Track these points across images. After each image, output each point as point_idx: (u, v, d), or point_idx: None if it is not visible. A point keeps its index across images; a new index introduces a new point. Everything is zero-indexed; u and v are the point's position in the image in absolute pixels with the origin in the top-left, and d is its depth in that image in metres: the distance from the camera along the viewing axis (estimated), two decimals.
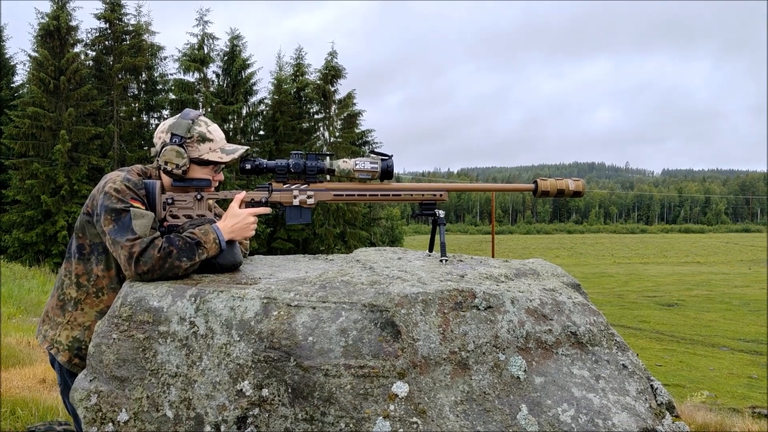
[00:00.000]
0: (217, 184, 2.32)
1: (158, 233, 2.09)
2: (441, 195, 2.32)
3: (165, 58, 28.91)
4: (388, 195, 2.30)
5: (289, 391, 1.73)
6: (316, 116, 31.75)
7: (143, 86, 28.67)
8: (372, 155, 2.29)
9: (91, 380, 1.98)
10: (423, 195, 2.32)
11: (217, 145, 2.25)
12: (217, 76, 29.51)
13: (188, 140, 2.20)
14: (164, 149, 2.17)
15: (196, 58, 28.30)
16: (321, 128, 31.66)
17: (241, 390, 1.78)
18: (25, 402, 4.78)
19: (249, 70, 29.64)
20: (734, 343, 19.20)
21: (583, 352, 1.95)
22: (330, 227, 28.02)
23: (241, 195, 2.24)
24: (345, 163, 2.27)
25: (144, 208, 2.12)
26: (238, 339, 1.83)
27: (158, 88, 28.95)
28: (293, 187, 2.28)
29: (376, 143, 32.08)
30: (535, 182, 2.35)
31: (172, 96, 28.69)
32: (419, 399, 1.68)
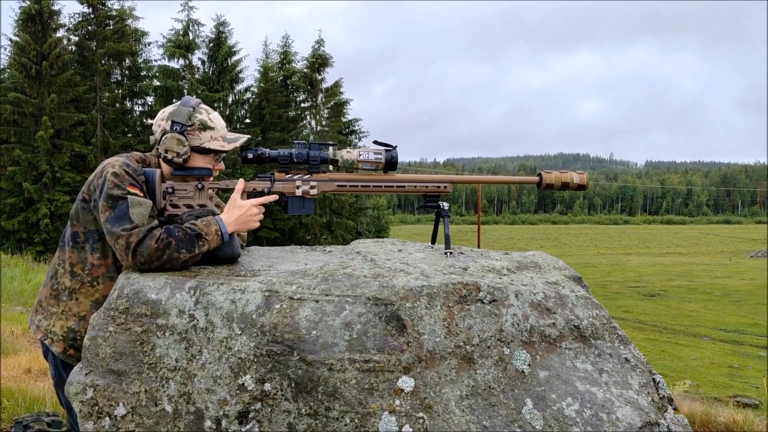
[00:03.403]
0: (217, 173, 2.27)
1: (156, 222, 2.05)
2: (445, 187, 2.30)
3: (149, 43, 28.56)
4: (392, 186, 2.27)
5: (293, 385, 1.70)
6: (302, 105, 31.56)
7: (127, 72, 28.29)
8: (376, 146, 2.26)
9: (86, 374, 1.93)
10: (427, 187, 2.29)
11: (219, 133, 2.21)
12: (203, 63, 29.21)
13: (189, 128, 2.15)
14: (164, 137, 2.12)
15: (181, 45, 27.98)
16: (308, 117, 31.50)
17: (243, 384, 1.75)
18: (11, 393, 4.71)
19: (235, 58, 29.37)
20: (715, 333, 19.48)
21: (586, 345, 1.94)
22: (316, 216, 27.94)
23: (242, 185, 2.20)
24: (349, 154, 2.24)
25: (142, 195, 2.07)
26: (239, 332, 1.79)
27: (142, 74, 28.60)
28: (296, 177, 2.24)
29: (363, 132, 32.00)
30: (540, 175, 2.34)
31: (156, 83, 28.37)
32: (425, 394, 1.66)
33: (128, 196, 2.03)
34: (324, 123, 31.03)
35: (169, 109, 2.20)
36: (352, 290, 1.81)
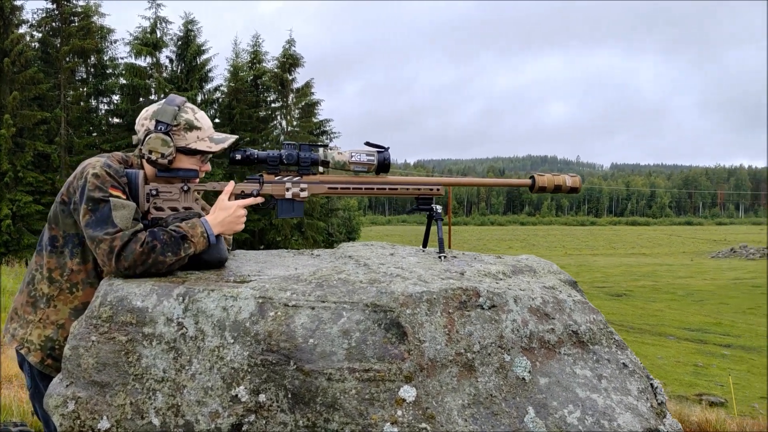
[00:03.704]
0: (203, 174, 2.19)
1: (141, 226, 1.96)
2: (438, 189, 2.25)
3: (115, 41, 27.97)
4: (384, 189, 2.21)
5: (289, 396, 1.64)
6: (273, 105, 31.26)
7: (92, 70, 27.66)
8: (367, 147, 2.20)
9: (67, 385, 1.84)
10: (420, 189, 2.24)
11: (205, 133, 2.12)
12: (171, 61, 28.71)
13: (174, 128, 2.07)
14: (148, 137, 2.04)
15: (148, 42, 27.45)
16: (278, 117, 31.22)
17: (236, 396, 1.68)
18: None
19: (204, 56, 28.94)
20: (680, 332, 19.90)
21: (585, 351, 1.92)
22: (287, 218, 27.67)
23: (230, 187, 2.13)
24: (340, 155, 2.18)
25: (125, 197, 1.98)
26: (232, 341, 1.72)
27: (108, 72, 27.98)
28: (285, 179, 2.17)
29: (334, 133, 31.86)
30: (533, 178, 2.31)
31: (122, 81, 27.79)
32: (427, 403, 1.61)
33: (110, 198, 1.94)
34: (295, 123, 30.79)
35: (153, 107, 2.11)
36: (349, 296, 1.76)
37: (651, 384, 1.92)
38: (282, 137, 29.49)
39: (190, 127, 2.09)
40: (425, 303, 1.74)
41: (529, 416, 1.69)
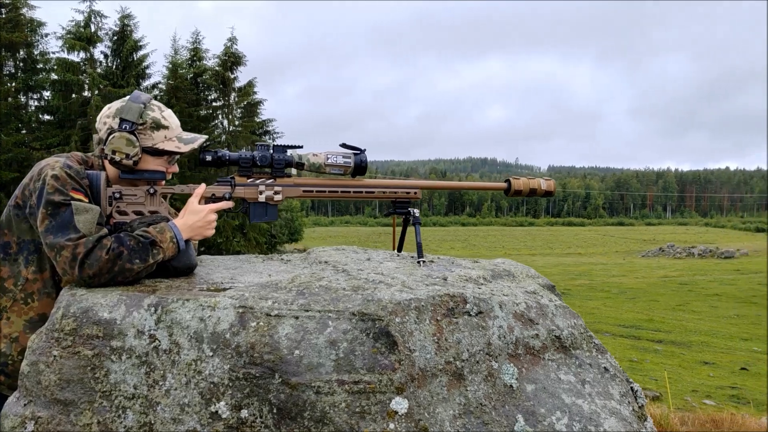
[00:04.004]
0: (170, 176, 2.07)
1: (105, 231, 1.83)
2: (415, 193, 2.21)
3: (46, 35, 26.67)
4: (361, 192, 2.15)
5: (274, 411, 1.55)
6: (214, 104, 30.57)
7: (21, 65, 26.32)
8: (344, 149, 2.14)
9: (25, 404, 1.69)
10: (396, 193, 2.19)
11: (173, 132, 2.01)
12: (106, 57, 27.65)
13: (140, 127, 1.94)
14: (111, 136, 1.90)
15: (81, 37, 26.35)
16: (220, 116, 30.55)
17: (216, 412, 1.58)
18: None
19: (141, 52, 28.00)
20: (615, 329, 20.61)
21: (567, 356, 1.91)
22: (229, 219, 27.13)
23: (201, 189, 2.02)
24: (315, 157, 2.10)
25: (87, 200, 1.85)
26: (211, 354, 1.62)
27: (38, 67, 26.68)
28: (258, 181, 2.08)
29: (277, 133, 31.46)
30: (508, 181, 2.29)
31: (54, 76, 26.58)
32: (419, 415, 1.56)
33: (72, 201, 1.80)
34: (237, 123, 30.22)
35: (116, 104, 1.98)
36: (334, 305, 1.68)
37: (631, 387, 1.93)
38: (224, 137, 28.88)
39: (157, 126, 1.97)
40: (414, 311, 1.68)
41: (519, 424, 1.66)
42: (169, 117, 2.02)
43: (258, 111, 30.97)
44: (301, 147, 2.13)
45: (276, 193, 2.08)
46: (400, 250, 2.48)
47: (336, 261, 2.21)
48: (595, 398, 1.82)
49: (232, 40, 30.18)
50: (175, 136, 2.01)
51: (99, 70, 27.15)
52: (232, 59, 30.01)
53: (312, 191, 2.12)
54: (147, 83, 29.08)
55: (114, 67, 27.66)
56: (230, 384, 1.59)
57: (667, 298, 27.76)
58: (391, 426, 1.53)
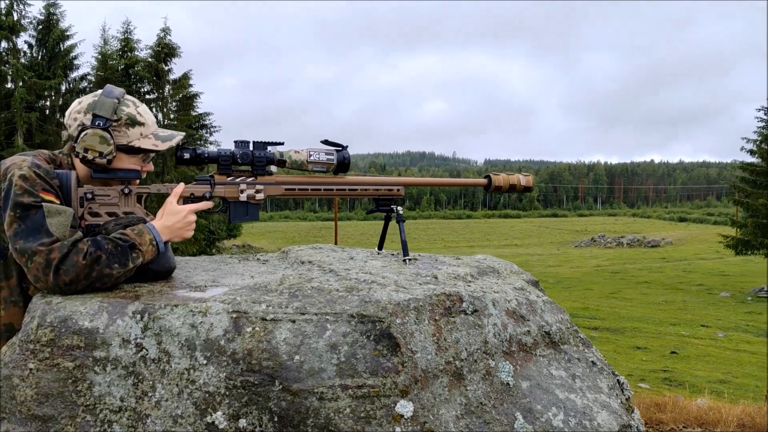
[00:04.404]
0: (144, 175, 1.96)
1: (80, 234, 1.71)
2: (398, 190, 2.17)
3: None
4: (344, 190, 2.10)
5: (275, 419, 1.49)
6: (147, 96, 29.54)
7: None
8: (325, 146, 2.08)
9: None
10: (379, 190, 2.15)
11: (149, 129, 1.90)
12: (30, 47, 26.27)
13: (114, 123, 1.83)
14: (84, 133, 1.78)
15: (3, 25, 24.90)
16: (154, 109, 29.56)
17: (213, 423, 1.51)
18: None
19: (69, 42, 26.75)
20: None
21: (557, 351, 1.93)
22: None
23: (180, 189, 1.92)
24: (297, 154, 2.04)
25: (59, 202, 1.73)
26: (204, 362, 1.54)
27: None
28: (239, 180, 2.00)
29: (215, 127, 30.73)
30: (488, 177, 2.29)
31: None
32: (424, 417, 1.54)
33: (43, 203, 1.68)
34: (172, 116, 29.33)
35: (88, 99, 1.86)
36: (330, 307, 1.64)
37: (618, 380, 1.97)
38: None
39: (133, 122, 1.86)
40: (413, 311, 1.65)
41: (518, 422, 1.66)
42: (145, 113, 1.91)
43: (194, 104, 30.13)
44: (282, 144, 2.06)
45: (257, 191, 2.01)
46: (380, 248, 2.44)
47: (320, 261, 2.16)
48: (586, 392, 1.84)
49: (166, 30, 29.21)
50: (152, 133, 1.90)
51: (23, 61, 25.80)
52: (165, 50, 29.05)
53: (294, 189, 2.06)
54: (75, 74, 27.85)
55: (39, 57, 26.33)
56: (227, 393, 1.51)
57: (600, 286, 28.82)
58: (398, 429, 1.50)
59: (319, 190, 2.08)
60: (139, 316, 1.60)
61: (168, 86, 29.49)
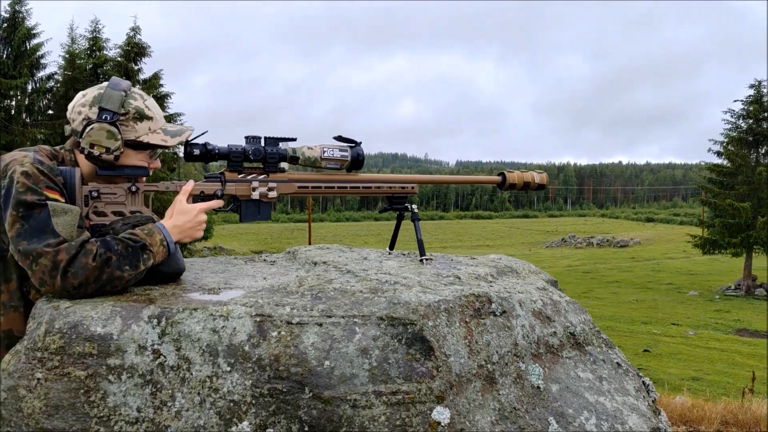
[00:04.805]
0: (151, 172, 1.86)
1: (88, 234, 1.61)
2: (413, 187, 2.11)
3: None
4: (358, 188, 2.03)
5: (305, 429, 1.41)
6: None
7: None
8: (339, 142, 2.00)
9: None
10: (392, 188, 2.08)
11: (158, 124, 1.80)
12: None
13: (122, 117, 1.73)
14: (90, 128, 1.68)
15: None
16: None
17: None
18: None
19: (35, 41, 26.11)
20: None
21: (582, 352, 1.88)
22: None
23: (189, 186, 1.82)
24: (310, 150, 1.96)
25: (64, 200, 1.62)
26: (228, 369, 1.45)
27: None
28: (250, 177, 1.91)
29: None
30: (503, 174, 2.24)
31: None
32: (461, 424, 1.47)
33: (48, 202, 1.57)
34: None
35: (93, 92, 1.75)
36: (357, 309, 1.56)
37: (643, 381, 1.93)
38: None
39: (141, 116, 1.76)
40: (444, 313, 1.59)
41: (552, 427, 1.60)
42: (153, 107, 1.81)
43: (165, 104, 29.65)
44: (295, 139, 1.98)
45: (270, 189, 1.92)
46: (392, 247, 2.37)
47: (334, 261, 2.07)
48: (615, 395, 1.80)
49: (136, 29, 28.67)
50: (160, 128, 1.80)
51: None
52: (135, 49, 28.52)
53: (307, 187, 1.97)
54: (42, 74, 27.21)
55: (5, 56, 25.64)
56: (253, 401, 1.43)
57: (573, 286, 29.12)
58: None
59: (333, 188, 2.00)
60: (155, 321, 1.50)
61: (138, 86, 28.96)
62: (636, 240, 58.36)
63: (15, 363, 1.49)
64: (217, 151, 1.86)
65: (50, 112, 27.70)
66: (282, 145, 1.94)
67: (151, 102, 1.81)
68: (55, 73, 27.91)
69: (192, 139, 1.85)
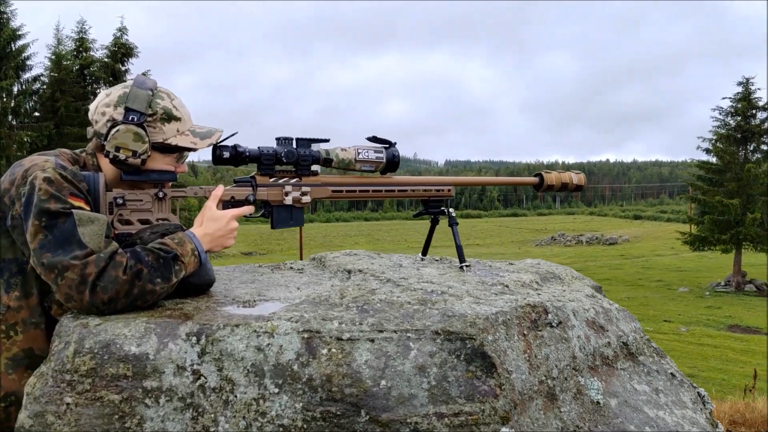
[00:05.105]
0: (178, 177, 1.74)
1: (116, 245, 1.49)
2: (449, 190, 2.01)
3: None
4: (393, 191, 1.92)
5: None
6: None
7: None
8: (372, 143, 1.90)
9: None
10: (429, 191, 1.98)
11: (186, 125, 1.68)
12: None
13: (149, 118, 1.61)
14: (115, 130, 1.56)
15: None
16: None
17: None
18: None
19: (21, 42, 25.74)
20: None
21: (635, 363, 1.79)
22: None
23: (219, 191, 1.71)
24: (344, 152, 1.85)
25: (89, 208, 1.50)
26: (276, 391, 1.34)
27: None
28: (282, 181, 1.79)
29: None
30: (540, 175, 2.15)
31: None
32: None
33: (73, 210, 1.45)
34: None
35: (118, 91, 1.63)
36: (409, 323, 1.45)
37: (698, 393, 1.84)
38: None
39: (169, 117, 1.64)
40: (502, 326, 1.48)
41: None
42: (181, 107, 1.69)
43: None
44: (328, 141, 1.87)
45: (303, 194, 1.81)
46: (425, 253, 2.27)
47: (370, 269, 1.96)
48: (673, 408, 1.70)
49: (122, 30, 28.38)
50: (189, 130, 1.69)
51: None
52: (122, 50, 28.21)
53: (342, 191, 1.87)
54: (28, 75, 26.87)
55: None
56: (305, 426, 1.32)
57: None
58: None
59: (368, 191, 1.90)
60: (194, 339, 1.38)
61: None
62: (624, 237, 58.65)
63: (41, 387, 1.37)
64: (248, 154, 1.75)
65: (36, 114, 27.36)
66: (314, 146, 1.83)
67: (178, 102, 1.70)
68: (42, 75, 27.54)
69: (221, 141, 1.74)
